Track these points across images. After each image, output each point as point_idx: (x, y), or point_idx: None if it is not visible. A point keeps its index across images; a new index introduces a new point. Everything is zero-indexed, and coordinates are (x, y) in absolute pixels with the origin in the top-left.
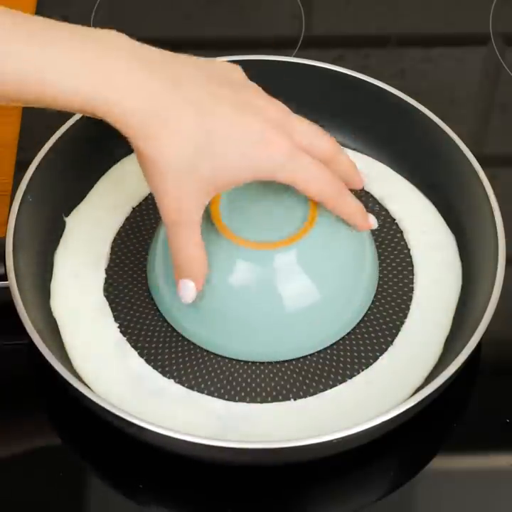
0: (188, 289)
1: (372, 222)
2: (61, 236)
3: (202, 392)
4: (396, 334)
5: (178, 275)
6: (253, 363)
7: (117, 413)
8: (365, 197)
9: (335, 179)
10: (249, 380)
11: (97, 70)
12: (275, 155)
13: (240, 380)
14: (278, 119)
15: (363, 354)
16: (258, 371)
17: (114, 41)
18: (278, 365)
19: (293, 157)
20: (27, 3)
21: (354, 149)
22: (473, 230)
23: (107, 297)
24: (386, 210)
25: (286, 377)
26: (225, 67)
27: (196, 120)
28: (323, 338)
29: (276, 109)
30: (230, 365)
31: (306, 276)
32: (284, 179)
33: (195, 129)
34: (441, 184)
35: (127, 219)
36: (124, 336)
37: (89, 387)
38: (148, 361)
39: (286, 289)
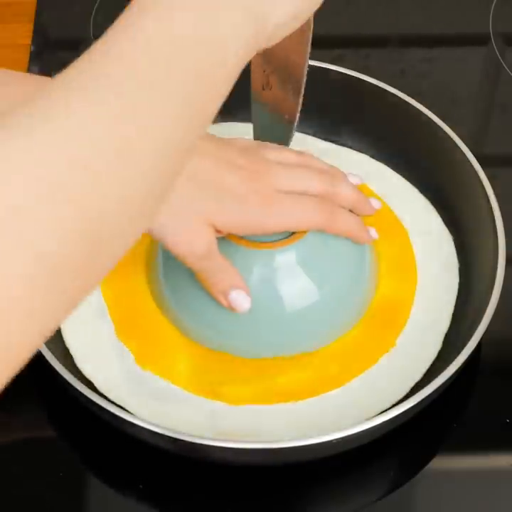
0: (242, 296)
1: (373, 234)
2: None
3: (201, 393)
4: (396, 334)
5: (224, 291)
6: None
7: (117, 413)
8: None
9: (321, 206)
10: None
11: None
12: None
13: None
14: (255, 169)
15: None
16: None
17: None
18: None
19: (267, 204)
20: (28, 4)
21: (354, 149)
22: (473, 230)
23: (107, 297)
24: (386, 210)
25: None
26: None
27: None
28: (323, 337)
29: (259, 158)
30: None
31: (305, 276)
32: (270, 227)
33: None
34: (441, 184)
35: None
36: (124, 336)
37: (89, 387)
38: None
39: (286, 289)
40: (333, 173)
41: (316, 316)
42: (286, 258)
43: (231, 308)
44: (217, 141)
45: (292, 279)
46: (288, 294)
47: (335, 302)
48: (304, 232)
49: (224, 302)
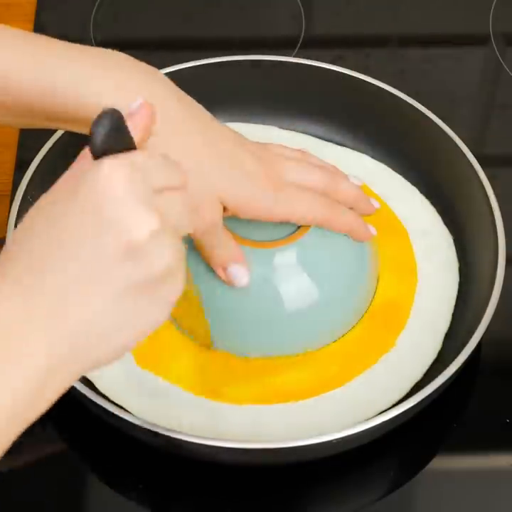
0: (242, 271)
1: (372, 231)
2: None
3: (201, 393)
4: (396, 334)
5: (223, 265)
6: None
7: (117, 413)
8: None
9: (324, 200)
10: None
11: (107, 78)
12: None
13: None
14: (267, 158)
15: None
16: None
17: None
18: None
19: (276, 190)
20: (28, 4)
21: (354, 149)
22: (473, 230)
23: None
24: (386, 210)
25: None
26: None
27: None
28: (323, 337)
29: (268, 150)
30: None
31: (305, 275)
32: (276, 214)
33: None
34: (441, 184)
35: None
36: None
37: (89, 387)
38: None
39: (285, 288)
40: (334, 171)
41: (316, 315)
42: (286, 257)
43: (229, 283)
44: (235, 131)
45: (292, 279)
46: (288, 293)
47: (335, 302)
48: (304, 231)
49: (222, 275)
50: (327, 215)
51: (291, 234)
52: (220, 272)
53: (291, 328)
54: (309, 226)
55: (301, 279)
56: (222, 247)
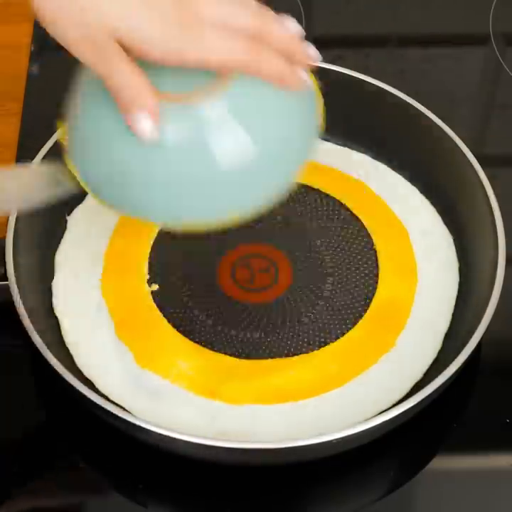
0: (143, 120)
1: (304, 77)
2: (61, 236)
3: (201, 393)
4: (396, 334)
5: (128, 110)
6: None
7: (117, 413)
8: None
9: (249, 43)
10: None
11: None
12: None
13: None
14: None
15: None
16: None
17: None
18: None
19: (187, 26)
20: (28, 4)
21: (354, 149)
22: (473, 230)
23: (107, 297)
24: (386, 210)
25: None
26: None
27: None
28: (255, 199)
29: None
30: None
31: (236, 130)
32: (190, 57)
33: None
34: (441, 184)
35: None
36: (124, 335)
37: (88, 387)
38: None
39: (215, 146)
40: (268, 13)
41: (249, 174)
42: (213, 112)
43: (135, 132)
44: None
45: (221, 135)
46: (218, 151)
47: (271, 153)
48: (228, 80)
49: (128, 121)
50: (252, 61)
51: (213, 84)
52: (126, 117)
53: (222, 188)
54: (230, 74)
55: (231, 135)
56: (128, 85)
